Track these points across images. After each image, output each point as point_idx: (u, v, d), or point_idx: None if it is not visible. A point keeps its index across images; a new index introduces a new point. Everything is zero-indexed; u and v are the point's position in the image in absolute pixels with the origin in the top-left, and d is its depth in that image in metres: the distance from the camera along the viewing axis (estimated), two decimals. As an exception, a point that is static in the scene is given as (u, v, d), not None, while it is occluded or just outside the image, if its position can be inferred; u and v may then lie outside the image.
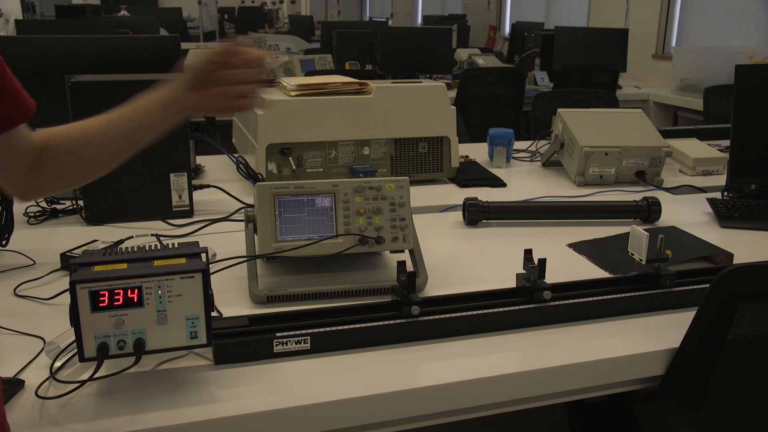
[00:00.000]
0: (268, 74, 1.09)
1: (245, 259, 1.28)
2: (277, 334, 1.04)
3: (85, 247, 1.43)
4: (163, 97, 1.04)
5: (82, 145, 1.03)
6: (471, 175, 2.15)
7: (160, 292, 0.93)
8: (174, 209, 1.69)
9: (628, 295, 1.23)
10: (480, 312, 1.15)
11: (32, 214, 1.70)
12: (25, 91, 0.95)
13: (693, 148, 2.36)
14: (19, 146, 0.98)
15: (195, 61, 1.05)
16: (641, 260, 1.26)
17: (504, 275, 1.34)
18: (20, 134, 0.97)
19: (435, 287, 1.32)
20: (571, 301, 1.20)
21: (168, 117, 1.05)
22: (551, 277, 1.21)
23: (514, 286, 1.23)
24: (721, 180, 2.14)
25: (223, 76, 1.03)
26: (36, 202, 1.73)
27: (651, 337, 1.15)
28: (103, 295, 0.90)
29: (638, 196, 1.79)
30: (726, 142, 2.51)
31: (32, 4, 8.98)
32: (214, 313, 0.99)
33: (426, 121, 2.05)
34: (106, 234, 1.57)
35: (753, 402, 1.16)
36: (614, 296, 1.23)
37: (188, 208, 1.71)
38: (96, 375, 0.92)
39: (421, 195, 1.94)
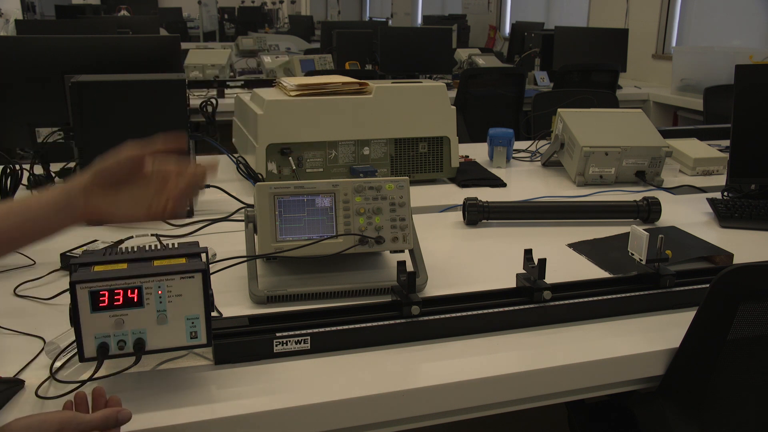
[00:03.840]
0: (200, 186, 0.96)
1: (245, 259, 1.28)
2: (277, 334, 1.04)
3: (85, 247, 1.43)
4: (58, 199, 0.91)
5: None
6: (471, 175, 2.15)
7: (160, 292, 0.93)
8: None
9: (628, 295, 1.23)
10: (480, 312, 1.15)
11: (32, 214, 1.70)
12: None
13: (693, 148, 2.36)
14: None
15: (103, 160, 0.91)
16: (641, 260, 1.26)
17: (504, 275, 1.34)
18: None
19: (435, 287, 1.32)
20: (571, 301, 1.20)
21: (61, 221, 0.92)
22: (551, 277, 1.21)
23: (514, 286, 1.23)
24: (721, 180, 2.14)
25: (141, 178, 0.90)
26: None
27: (651, 337, 1.15)
28: (103, 295, 0.90)
29: (638, 196, 1.79)
30: (726, 142, 2.51)
31: (32, 4, 8.98)
32: (214, 313, 0.99)
33: (426, 121, 2.05)
34: (106, 234, 1.56)
35: (753, 402, 1.16)
36: (614, 296, 1.23)
37: (188, 208, 1.71)
38: (96, 375, 0.92)
39: (421, 195, 1.94)
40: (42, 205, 0.91)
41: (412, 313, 1.11)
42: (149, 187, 0.93)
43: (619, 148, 2.07)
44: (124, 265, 0.94)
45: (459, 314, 1.14)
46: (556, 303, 1.19)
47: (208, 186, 0.86)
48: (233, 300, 1.24)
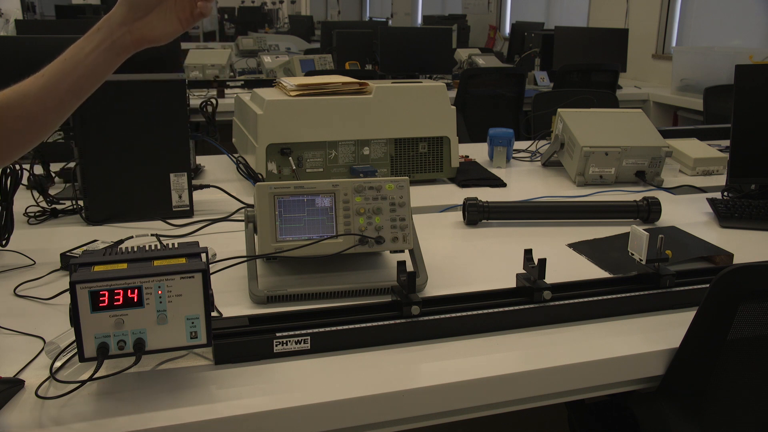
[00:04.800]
0: None
1: (245, 259, 1.28)
2: (277, 334, 1.04)
3: (85, 247, 1.43)
4: (104, 38, 1.00)
5: (25, 109, 0.97)
6: (471, 175, 2.15)
7: (160, 292, 0.93)
8: (174, 209, 1.69)
9: (628, 295, 1.23)
10: (480, 312, 1.15)
11: (32, 214, 1.70)
12: None
13: (693, 148, 2.36)
14: None
15: None
16: (641, 260, 1.26)
17: (504, 275, 1.34)
18: None
19: (435, 287, 1.32)
20: (571, 301, 1.20)
21: (114, 56, 1.01)
22: (551, 277, 1.21)
23: (514, 286, 1.23)
24: (721, 180, 2.14)
25: None
26: (36, 202, 1.73)
27: (651, 337, 1.15)
28: (103, 295, 0.90)
29: (638, 196, 1.79)
30: (726, 142, 2.51)
31: (32, 4, 8.99)
32: (214, 313, 0.99)
33: (426, 121, 2.05)
34: (106, 234, 1.57)
35: (753, 402, 1.16)
36: (614, 296, 1.23)
37: (188, 208, 1.71)
38: (96, 375, 0.92)
39: (421, 195, 1.94)
40: (92, 54, 0.99)
41: (412, 313, 1.11)
42: (169, 4, 1.02)
43: (619, 148, 2.07)
44: (124, 265, 0.94)
45: (459, 314, 1.14)
46: (556, 303, 1.19)
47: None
48: (233, 300, 1.24)
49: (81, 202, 1.69)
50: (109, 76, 1.02)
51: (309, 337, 1.06)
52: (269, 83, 2.20)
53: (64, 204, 1.74)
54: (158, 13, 1.03)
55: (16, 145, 1.00)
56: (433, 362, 1.06)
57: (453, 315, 1.13)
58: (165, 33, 1.04)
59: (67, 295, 1.00)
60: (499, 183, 2.12)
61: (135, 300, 0.92)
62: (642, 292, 1.24)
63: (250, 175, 1.97)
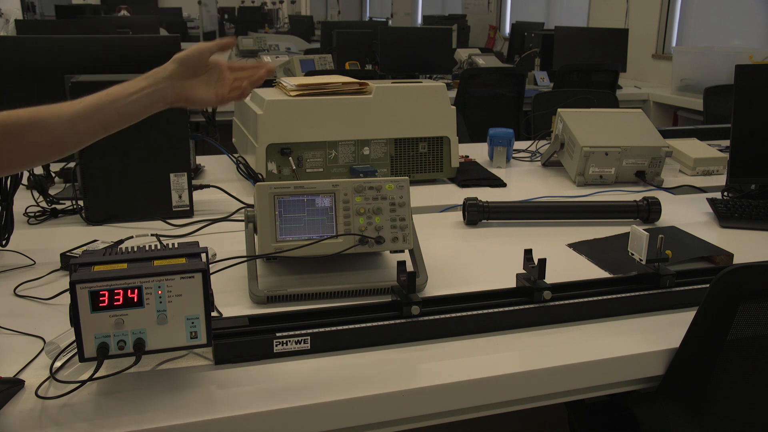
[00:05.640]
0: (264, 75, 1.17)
1: (245, 259, 1.28)
2: (277, 334, 1.04)
3: (85, 247, 1.43)
4: (148, 86, 1.08)
5: (54, 128, 1.03)
6: (471, 175, 2.15)
7: (160, 292, 0.93)
8: (174, 209, 1.69)
9: (628, 295, 1.23)
10: (480, 312, 1.15)
11: (32, 214, 1.70)
12: None
13: (693, 148, 2.36)
14: None
15: (184, 51, 1.11)
16: (641, 260, 1.26)
17: (504, 275, 1.34)
18: None
19: (435, 287, 1.32)
20: (571, 301, 1.20)
21: (151, 104, 1.09)
22: (551, 277, 1.21)
23: (514, 286, 1.23)
24: (721, 180, 2.14)
25: (221, 66, 1.12)
26: (36, 202, 1.73)
27: (651, 337, 1.15)
28: (103, 295, 0.90)
29: (638, 196, 1.79)
30: (726, 142, 2.51)
31: (32, 4, 8.99)
32: (214, 313, 0.99)
33: (426, 121, 2.05)
34: (106, 234, 1.57)
35: (753, 402, 1.16)
36: (614, 296, 1.23)
37: (188, 208, 1.71)
38: (96, 375, 0.92)
39: (421, 195, 1.94)
40: (134, 96, 1.07)
41: (412, 313, 1.11)
42: (213, 77, 1.13)
43: (619, 148, 2.07)
44: (124, 265, 0.94)
45: (459, 314, 1.14)
46: (556, 303, 1.19)
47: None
48: (233, 300, 1.24)
49: (81, 202, 1.69)
50: (137, 121, 1.11)
51: (309, 337, 1.06)
52: (269, 83, 2.20)
53: (64, 204, 1.74)
54: (202, 79, 1.13)
55: (33, 158, 1.06)
56: (433, 362, 1.06)
57: (453, 315, 1.13)
58: (202, 99, 1.13)
59: (67, 295, 1.00)
60: (499, 183, 2.12)
61: (135, 300, 0.92)
62: (642, 292, 1.24)
63: (250, 175, 1.97)
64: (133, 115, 1.09)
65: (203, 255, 0.98)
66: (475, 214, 1.69)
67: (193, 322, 0.95)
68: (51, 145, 1.04)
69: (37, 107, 1.03)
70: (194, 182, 1.78)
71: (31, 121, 1.02)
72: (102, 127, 1.08)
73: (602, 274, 1.41)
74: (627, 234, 1.34)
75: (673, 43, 5.68)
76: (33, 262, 1.40)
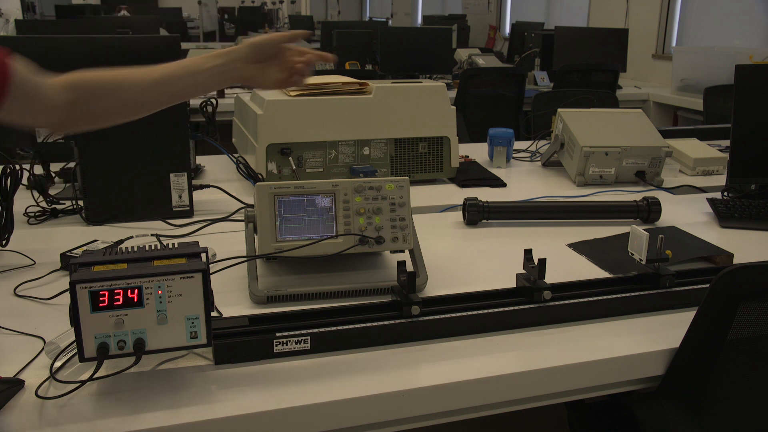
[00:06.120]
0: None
1: (245, 259, 1.28)
2: (277, 334, 1.04)
3: (85, 247, 1.43)
4: (222, 65, 1.17)
5: (128, 94, 1.12)
6: (471, 175, 2.15)
7: (160, 292, 0.93)
8: (174, 209, 1.69)
9: (628, 295, 1.23)
10: (480, 312, 1.15)
11: (32, 214, 1.70)
12: None
13: (693, 148, 2.36)
14: (33, 96, 1.03)
15: (260, 37, 1.21)
16: (641, 260, 1.26)
17: (504, 275, 1.34)
18: (26, 87, 1.01)
19: (435, 287, 1.32)
20: (571, 301, 1.20)
21: (221, 82, 1.19)
22: (551, 277, 1.21)
23: (514, 286, 1.23)
24: (721, 180, 2.14)
25: (286, 51, 1.21)
26: (36, 202, 1.73)
27: (651, 337, 1.15)
28: (103, 295, 0.90)
29: (638, 196, 1.79)
30: (726, 142, 2.51)
31: (32, 4, 8.99)
32: (214, 313, 0.99)
33: (426, 121, 2.05)
34: (106, 234, 1.57)
35: (753, 402, 1.16)
36: (614, 296, 1.23)
37: (188, 208, 1.71)
38: (96, 375, 0.92)
39: (421, 195, 1.94)
40: (207, 72, 1.16)
41: (412, 313, 1.11)
42: (278, 62, 1.22)
43: (619, 148, 2.07)
44: (124, 265, 0.94)
45: (459, 314, 1.14)
46: (556, 303, 1.19)
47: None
48: (233, 300, 1.24)
49: (81, 202, 1.69)
50: (202, 94, 1.25)
51: (309, 337, 1.06)
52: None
53: (64, 204, 1.74)
54: (270, 65, 1.22)
55: (104, 119, 1.15)
56: (433, 362, 1.06)
57: (453, 315, 1.13)
58: (266, 82, 1.23)
59: (67, 295, 1.00)
60: (499, 183, 2.12)
61: (135, 300, 0.92)
62: (642, 292, 1.24)
63: (250, 175, 1.97)
64: (201, 90, 1.19)
65: (203, 255, 0.98)
66: (475, 214, 1.69)
67: (193, 322, 0.95)
68: (121, 110, 1.14)
69: (115, 71, 1.12)
70: (194, 182, 1.78)
71: (110, 85, 1.11)
72: (170, 98, 1.18)
73: (602, 274, 1.41)
74: (627, 234, 1.34)
75: (673, 43, 5.68)
76: (33, 262, 1.40)
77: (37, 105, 1.04)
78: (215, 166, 2.26)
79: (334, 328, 1.07)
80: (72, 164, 1.70)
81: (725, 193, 1.94)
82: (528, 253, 1.21)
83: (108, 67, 1.13)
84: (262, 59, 1.20)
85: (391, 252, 1.36)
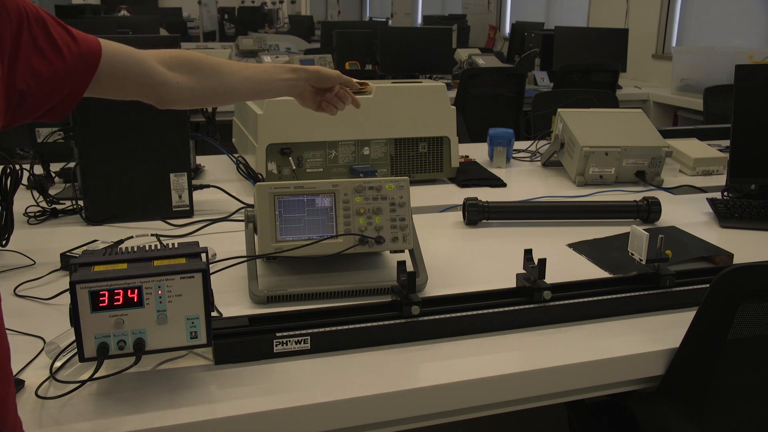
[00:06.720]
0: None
1: (245, 259, 1.28)
2: (277, 334, 1.04)
3: (85, 247, 1.43)
4: (295, 79, 1.32)
5: (224, 82, 1.22)
6: (471, 175, 2.15)
7: (160, 292, 0.93)
8: (174, 209, 1.69)
9: (628, 295, 1.23)
10: (480, 312, 1.15)
11: (32, 214, 1.70)
12: (80, 32, 0.97)
13: (693, 148, 2.36)
14: (135, 71, 1.07)
15: (326, 70, 1.36)
16: (641, 260, 1.26)
17: (504, 275, 1.34)
18: (120, 63, 1.04)
19: (435, 287, 1.32)
20: (572, 301, 1.20)
21: (288, 93, 1.34)
22: (551, 277, 1.21)
23: (514, 286, 1.23)
24: (721, 180, 2.14)
25: (336, 88, 1.38)
26: (36, 202, 1.73)
27: (651, 337, 1.15)
28: (103, 295, 0.90)
29: (638, 196, 1.79)
30: (726, 142, 2.51)
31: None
32: (214, 313, 0.99)
33: (426, 121, 2.05)
34: (106, 234, 1.57)
35: (753, 402, 1.16)
36: (614, 296, 1.23)
37: (188, 208, 1.71)
38: (96, 375, 0.92)
39: (421, 195, 1.94)
40: (281, 82, 1.31)
41: (412, 313, 1.11)
42: (325, 93, 1.38)
43: (619, 148, 2.07)
44: (124, 265, 0.94)
45: (459, 314, 1.14)
46: (556, 303, 1.19)
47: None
48: (233, 300, 1.24)
49: (81, 202, 1.69)
50: (272, 97, 1.38)
51: (309, 337, 1.06)
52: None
53: (64, 204, 1.74)
54: (320, 92, 1.37)
55: (205, 99, 1.23)
56: (433, 362, 1.06)
57: (453, 315, 1.14)
58: (310, 104, 1.39)
59: (67, 295, 1.00)
60: (499, 183, 2.12)
61: (135, 300, 0.92)
62: (642, 292, 1.24)
63: (250, 175, 1.97)
64: (273, 94, 1.35)
65: (203, 255, 0.98)
66: (475, 214, 1.69)
67: (193, 322, 0.95)
68: (222, 94, 1.23)
69: (217, 60, 1.23)
70: (194, 182, 1.78)
71: (216, 69, 1.21)
72: (253, 95, 1.36)
73: (602, 274, 1.41)
74: (627, 234, 1.34)
75: (673, 43, 5.68)
76: (33, 262, 1.40)
77: (140, 80, 1.09)
78: (215, 166, 2.26)
79: (334, 328, 1.07)
80: (72, 164, 1.70)
81: (725, 193, 1.94)
82: (528, 253, 1.21)
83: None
84: (319, 86, 1.35)
85: (391, 252, 1.37)
